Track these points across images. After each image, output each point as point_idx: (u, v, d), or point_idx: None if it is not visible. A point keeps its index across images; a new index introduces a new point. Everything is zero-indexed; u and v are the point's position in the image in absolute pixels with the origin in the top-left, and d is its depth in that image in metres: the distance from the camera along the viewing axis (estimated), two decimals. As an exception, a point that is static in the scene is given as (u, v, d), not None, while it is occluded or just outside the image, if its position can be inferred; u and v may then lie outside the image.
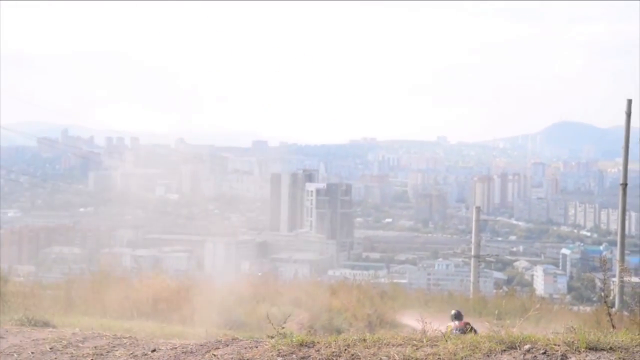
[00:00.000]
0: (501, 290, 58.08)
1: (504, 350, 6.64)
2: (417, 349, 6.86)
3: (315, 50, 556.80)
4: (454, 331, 11.34)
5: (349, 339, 7.41)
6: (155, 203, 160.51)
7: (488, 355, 6.53)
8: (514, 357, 6.49)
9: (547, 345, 6.71)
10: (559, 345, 6.68)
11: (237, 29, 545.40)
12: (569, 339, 6.73)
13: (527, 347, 6.77)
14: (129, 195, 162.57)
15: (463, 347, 6.52)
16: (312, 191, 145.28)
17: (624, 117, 27.52)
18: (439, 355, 6.58)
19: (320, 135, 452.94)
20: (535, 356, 6.49)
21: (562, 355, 6.48)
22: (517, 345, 6.79)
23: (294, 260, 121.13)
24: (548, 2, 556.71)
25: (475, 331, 10.92)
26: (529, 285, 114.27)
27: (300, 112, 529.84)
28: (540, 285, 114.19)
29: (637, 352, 6.58)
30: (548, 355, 6.47)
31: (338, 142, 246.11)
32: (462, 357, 6.38)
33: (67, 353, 8.76)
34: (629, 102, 25.98)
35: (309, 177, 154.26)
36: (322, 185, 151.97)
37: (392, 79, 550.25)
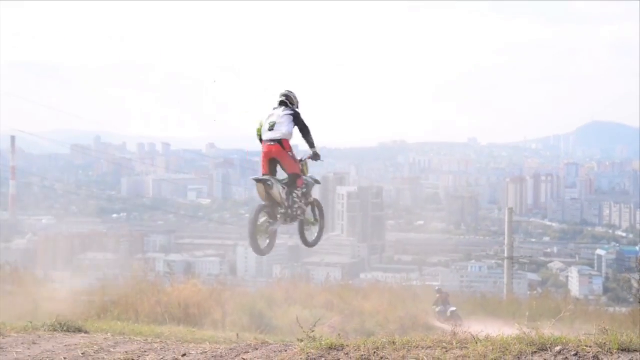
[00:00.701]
0: (535, 292, 57.53)
1: (535, 352, 6.57)
2: (446, 351, 6.80)
3: (341, 53, 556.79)
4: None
5: (378, 342, 7.37)
6: (187, 208, 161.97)
7: (519, 357, 6.47)
8: (544, 359, 6.44)
9: (578, 346, 6.64)
10: (590, 347, 6.61)
11: (262, 31, 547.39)
12: (601, 340, 6.67)
13: (558, 348, 6.70)
14: (161, 201, 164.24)
15: (493, 349, 6.46)
16: (343, 194, 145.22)
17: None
18: (469, 357, 6.52)
19: (349, 138, 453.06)
20: (566, 358, 6.45)
21: (593, 356, 6.44)
22: (548, 347, 6.71)
23: (325, 263, 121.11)
24: (576, 1, 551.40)
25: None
26: (564, 286, 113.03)
27: (329, 115, 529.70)
28: (575, 287, 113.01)
29: None
30: (580, 357, 6.42)
31: (368, 145, 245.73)
32: (492, 359, 6.33)
33: (98, 358, 8.83)
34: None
35: (340, 180, 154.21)
36: (353, 188, 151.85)
37: (420, 81, 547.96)
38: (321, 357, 7.55)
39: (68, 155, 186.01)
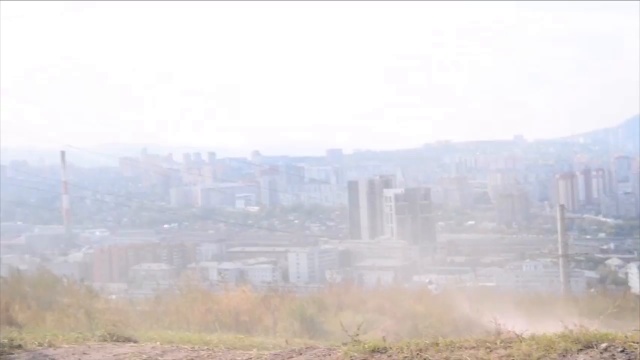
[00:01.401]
0: (592, 290, 56.47)
1: (580, 349, 6.44)
2: (490, 351, 6.69)
3: (382, 56, 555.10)
4: None
5: (421, 343, 7.30)
6: (236, 216, 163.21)
7: (563, 355, 6.34)
8: (590, 357, 6.28)
9: (625, 343, 6.47)
10: (638, 343, 6.42)
11: (304, 38, 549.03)
12: None
13: (604, 345, 6.55)
14: (210, 210, 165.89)
15: (537, 348, 6.32)
16: (390, 197, 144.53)
17: None
18: (513, 356, 6.40)
19: (394, 140, 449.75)
20: (613, 355, 6.25)
21: None
22: (594, 344, 6.57)
23: (377, 267, 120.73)
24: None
25: None
26: (624, 283, 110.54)
27: (372, 118, 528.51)
28: (635, 283, 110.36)
29: None
30: (627, 354, 6.22)
31: (412, 147, 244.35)
32: (536, 358, 6.18)
33: (145, 366, 8.92)
34: None
35: (386, 183, 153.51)
36: (400, 190, 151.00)
37: (461, 80, 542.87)
38: (364, 360, 7.50)
39: (117, 168, 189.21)
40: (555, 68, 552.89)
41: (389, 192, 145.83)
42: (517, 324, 9.54)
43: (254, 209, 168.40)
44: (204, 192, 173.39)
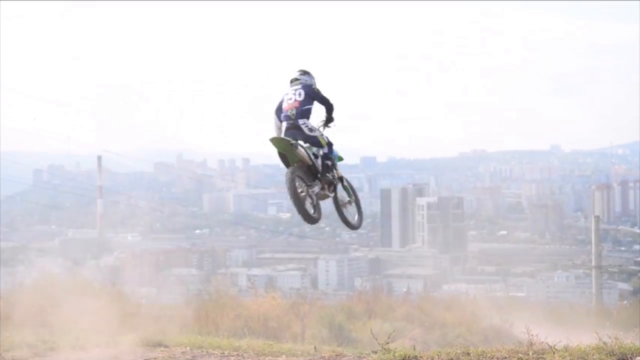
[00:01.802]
0: (625, 302, 55.70)
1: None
2: (523, 361, 6.61)
3: (416, 63, 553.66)
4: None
5: (452, 352, 7.21)
6: (268, 222, 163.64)
7: None
8: None
9: None
10: None
11: (334, 42, 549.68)
12: None
13: (638, 358, 6.53)
14: (242, 216, 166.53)
15: (571, 359, 6.21)
16: (422, 205, 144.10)
17: None
18: None
19: (428, 148, 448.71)
20: None
21: None
22: (628, 356, 6.53)
23: (407, 275, 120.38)
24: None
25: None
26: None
27: (407, 126, 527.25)
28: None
29: None
30: None
31: (447, 155, 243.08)
32: None
33: (176, 370, 8.95)
34: None
35: (419, 191, 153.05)
36: (433, 199, 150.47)
37: (498, 88, 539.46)
38: (395, 368, 7.42)
39: (152, 173, 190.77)
40: (595, 78, 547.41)
41: (422, 201, 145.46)
42: (549, 335, 9.40)
43: (286, 215, 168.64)
44: (236, 198, 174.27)
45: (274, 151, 10.34)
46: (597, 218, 36.27)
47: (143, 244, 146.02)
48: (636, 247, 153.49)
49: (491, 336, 16.45)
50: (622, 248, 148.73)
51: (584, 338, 8.58)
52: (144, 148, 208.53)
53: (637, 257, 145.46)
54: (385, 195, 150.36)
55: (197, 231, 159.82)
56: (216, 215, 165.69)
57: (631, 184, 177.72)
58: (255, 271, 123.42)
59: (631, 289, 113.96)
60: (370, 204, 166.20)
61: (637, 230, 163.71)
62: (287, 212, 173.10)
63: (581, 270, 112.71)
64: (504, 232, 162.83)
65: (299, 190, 9.89)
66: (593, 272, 33.79)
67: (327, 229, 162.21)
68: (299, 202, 9.79)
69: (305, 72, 10.23)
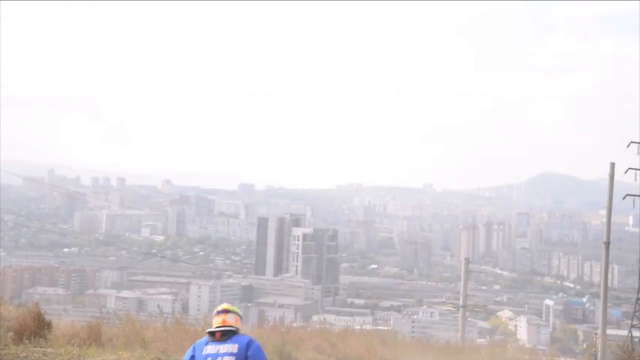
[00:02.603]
0: (484, 340, 58.64)
1: None
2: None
3: (300, 94, 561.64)
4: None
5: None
6: (140, 244, 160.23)
7: None
8: None
9: None
10: None
11: (224, 68, 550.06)
12: None
13: None
14: (114, 236, 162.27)
15: None
16: (298, 236, 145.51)
17: (607, 169, 28.48)
18: None
19: (306, 179, 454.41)
20: None
21: None
22: None
23: (279, 304, 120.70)
24: (538, 50, 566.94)
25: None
26: (513, 335, 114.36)
27: (287, 156, 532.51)
28: (524, 336, 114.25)
29: None
30: None
31: (324, 187, 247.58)
32: None
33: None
34: (612, 165, 26.99)
35: (296, 221, 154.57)
36: (308, 230, 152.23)
37: (378, 126, 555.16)
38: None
39: (20, 187, 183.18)
40: (468, 122, 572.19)
41: (298, 231, 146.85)
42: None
43: (160, 238, 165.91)
44: (109, 218, 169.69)
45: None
46: (467, 260, 38.40)
47: (6, 259, 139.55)
48: (496, 287, 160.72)
49: None
50: (484, 287, 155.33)
51: None
52: (13, 161, 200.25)
53: (497, 296, 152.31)
54: (262, 223, 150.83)
55: (66, 249, 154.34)
56: (87, 234, 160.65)
57: (495, 226, 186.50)
58: (125, 293, 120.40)
59: (489, 327, 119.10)
60: (246, 231, 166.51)
61: (499, 271, 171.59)
62: (161, 234, 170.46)
63: (445, 308, 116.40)
64: (375, 266, 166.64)
65: None
66: (460, 311, 35.58)
67: (201, 253, 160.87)
68: None
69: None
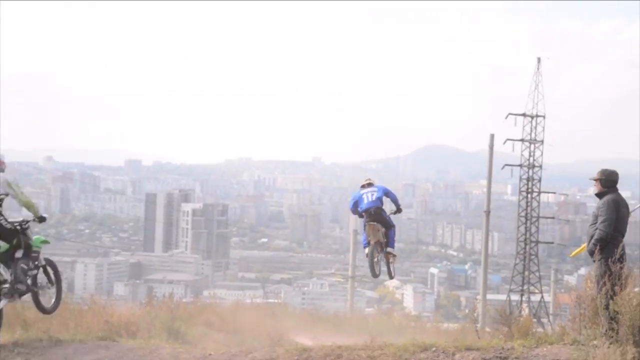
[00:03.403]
0: (371, 309, 60.13)
1: (421, 351, 9.33)
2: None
3: (190, 67, 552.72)
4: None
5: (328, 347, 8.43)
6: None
7: (413, 354, 9.22)
8: (426, 356, 9.16)
9: (444, 347, 9.29)
10: (450, 348, 9.24)
11: (112, 44, 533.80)
12: (456, 344, 9.40)
13: (433, 349, 9.33)
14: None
15: (397, 349, 9.26)
16: (188, 211, 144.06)
17: (487, 140, 29.70)
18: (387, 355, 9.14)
19: (195, 154, 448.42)
20: (438, 354, 9.17)
21: (452, 353, 9.14)
22: (427, 348, 9.38)
23: (168, 280, 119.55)
24: (417, 25, 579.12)
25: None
26: (400, 303, 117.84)
27: (174, 131, 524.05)
28: (410, 304, 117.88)
29: (493, 349, 9.20)
30: (446, 354, 9.19)
31: (213, 162, 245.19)
32: (405, 357, 9.06)
33: None
34: (492, 136, 28.20)
35: (185, 197, 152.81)
36: (198, 205, 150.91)
37: (266, 99, 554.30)
38: None
39: None
40: (356, 95, 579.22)
41: (187, 207, 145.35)
42: (328, 340, 10.89)
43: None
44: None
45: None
46: (355, 232, 39.10)
47: None
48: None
49: (276, 341, 17.32)
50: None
51: (359, 341, 10.37)
52: None
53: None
54: (150, 199, 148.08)
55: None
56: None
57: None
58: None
59: (377, 296, 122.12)
60: (134, 207, 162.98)
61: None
62: (44, 212, 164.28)
63: (334, 279, 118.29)
64: (265, 240, 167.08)
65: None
66: (349, 281, 36.29)
67: (86, 231, 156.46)
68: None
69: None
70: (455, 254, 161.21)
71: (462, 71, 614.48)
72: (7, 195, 10.68)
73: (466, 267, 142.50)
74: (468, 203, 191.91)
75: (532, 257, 51.92)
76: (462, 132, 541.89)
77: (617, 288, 8.66)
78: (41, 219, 10.95)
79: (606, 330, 8.70)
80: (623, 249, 9.05)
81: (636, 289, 8.66)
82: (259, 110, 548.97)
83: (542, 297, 51.18)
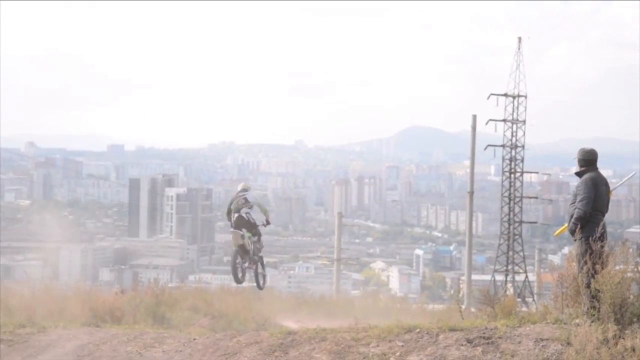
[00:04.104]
0: (359, 291, 60.46)
1: (405, 332, 9.52)
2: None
3: (172, 52, 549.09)
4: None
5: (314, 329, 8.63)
6: (5, 209, 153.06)
7: (397, 335, 9.48)
8: (410, 337, 9.34)
9: (428, 328, 9.51)
10: (434, 329, 9.43)
11: (97, 32, 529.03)
12: (440, 325, 9.61)
13: (417, 330, 9.51)
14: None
15: (381, 331, 9.45)
16: (172, 196, 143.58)
17: (469, 121, 29.74)
18: (370, 337, 9.44)
19: (178, 139, 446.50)
20: (422, 335, 9.33)
21: (436, 334, 9.29)
22: (411, 329, 9.58)
23: (153, 265, 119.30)
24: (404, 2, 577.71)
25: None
26: (386, 285, 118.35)
27: (157, 116, 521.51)
28: (395, 285, 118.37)
29: (477, 329, 9.32)
30: (429, 335, 9.29)
31: (197, 146, 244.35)
32: (392, 335, 9.37)
33: None
34: (474, 117, 28.21)
35: (169, 181, 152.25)
36: (182, 190, 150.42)
37: (249, 83, 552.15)
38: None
39: None
40: (340, 78, 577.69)
41: (171, 191, 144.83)
42: (316, 322, 10.97)
43: (25, 202, 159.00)
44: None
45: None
46: (340, 214, 39.07)
47: None
48: (369, 239, 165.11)
49: (261, 324, 17.40)
50: (357, 240, 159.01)
51: (344, 323, 10.53)
52: None
53: (370, 249, 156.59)
54: (133, 184, 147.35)
55: None
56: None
57: (366, 180, 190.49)
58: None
59: (363, 278, 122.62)
60: (117, 193, 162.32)
61: (371, 224, 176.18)
62: (27, 199, 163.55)
63: (320, 262, 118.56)
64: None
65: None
66: (335, 264, 36.30)
67: (70, 217, 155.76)
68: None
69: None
70: (440, 235, 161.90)
71: (443, 51, 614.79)
72: (253, 205, 15.70)
73: (451, 248, 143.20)
74: (452, 184, 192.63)
75: (516, 237, 52.22)
76: (444, 113, 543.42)
77: (598, 267, 8.72)
78: (267, 223, 16.18)
79: (588, 309, 8.79)
80: (604, 228, 9.10)
81: (617, 267, 8.73)
82: (241, 95, 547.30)
83: (527, 276, 51.49)
